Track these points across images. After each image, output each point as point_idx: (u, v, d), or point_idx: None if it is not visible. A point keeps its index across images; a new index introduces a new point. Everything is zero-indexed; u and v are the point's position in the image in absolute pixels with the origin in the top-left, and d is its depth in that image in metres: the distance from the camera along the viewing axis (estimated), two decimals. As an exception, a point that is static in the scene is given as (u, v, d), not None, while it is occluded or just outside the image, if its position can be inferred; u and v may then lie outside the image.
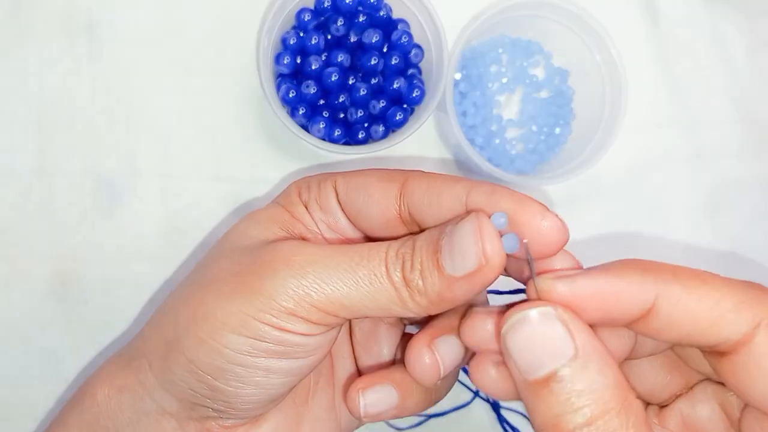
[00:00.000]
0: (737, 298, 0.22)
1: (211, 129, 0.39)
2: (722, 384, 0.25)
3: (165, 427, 0.27)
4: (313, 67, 0.36)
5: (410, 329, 0.32)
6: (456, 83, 0.40)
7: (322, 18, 0.38)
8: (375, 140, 0.37)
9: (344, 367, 0.31)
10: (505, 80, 0.41)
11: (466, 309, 0.26)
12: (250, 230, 0.28)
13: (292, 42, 0.37)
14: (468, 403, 0.40)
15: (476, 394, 0.40)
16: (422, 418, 0.39)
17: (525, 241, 0.24)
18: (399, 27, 0.38)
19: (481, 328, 0.25)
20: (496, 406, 0.40)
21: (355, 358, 0.32)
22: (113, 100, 0.39)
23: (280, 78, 0.37)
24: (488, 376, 0.25)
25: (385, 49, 0.38)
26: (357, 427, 0.31)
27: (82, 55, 0.39)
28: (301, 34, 0.37)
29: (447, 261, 0.24)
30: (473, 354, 0.28)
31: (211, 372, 0.25)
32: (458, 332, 0.27)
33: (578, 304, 0.23)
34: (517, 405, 0.39)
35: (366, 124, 0.37)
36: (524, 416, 0.39)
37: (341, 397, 0.31)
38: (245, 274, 0.25)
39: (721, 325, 0.22)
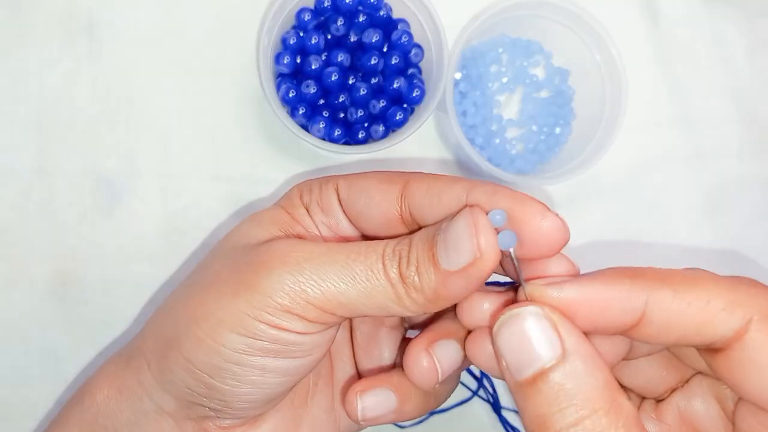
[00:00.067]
0: (728, 296, 0.22)
1: (211, 129, 0.39)
2: (716, 377, 0.25)
3: (163, 426, 0.27)
4: (313, 67, 0.36)
5: (412, 335, 0.32)
6: (456, 83, 0.40)
7: (322, 18, 0.38)
8: (375, 140, 0.37)
9: (344, 370, 0.31)
10: (505, 80, 0.41)
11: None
12: (251, 231, 0.28)
13: (292, 42, 0.37)
14: (468, 399, 0.40)
15: (475, 393, 0.40)
16: (424, 416, 0.39)
17: (511, 249, 0.24)
18: (399, 27, 0.38)
19: (478, 308, 0.25)
20: (496, 407, 0.40)
21: (355, 361, 0.32)
22: (113, 100, 0.39)
23: (280, 78, 0.37)
24: (484, 352, 0.25)
25: (385, 49, 0.38)
26: (356, 431, 0.31)
27: (82, 55, 0.39)
28: (301, 34, 0.37)
29: (442, 255, 0.24)
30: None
31: (208, 371, 0.25)
32: (458, 332, 0.27)
33: (568, 310, 0.23)
34: (517, 405, 0.39)
35: (366, 124, 0.37)
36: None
37: (340, 400, 0.31)
38: (243, 273, 0.26)
39: (713, 325, 0.22)
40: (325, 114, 0.37)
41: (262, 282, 0.25)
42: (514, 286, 0.25)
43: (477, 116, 0.40)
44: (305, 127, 0.37)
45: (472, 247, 0.23)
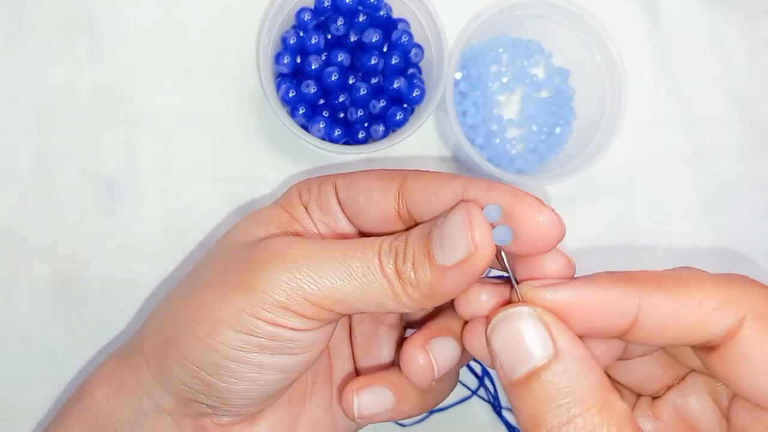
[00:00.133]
0: (720, 295, 0.22)
1: (211, 129, 0.39)
2: (711, 375, 0.25)
3: (162, 425, 0.27)
4: (313, 67, 0.36)
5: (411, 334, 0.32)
6: (456, 83, 0.40)
7: (322, 17, 0.38)
8: (375, 140, 0.37)
9: (343, 369, 0.31)
10: (505, 80, 0.41)
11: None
12: (249, 230, 0.28)
13: (292, 42, 0.37)
14: (468, 398, 0.40)
15: (474, 392, 0.40)
16: (423, 414, 0.39)
17: (503, 254, 0.24)
18: (399, 26, 0.38)
19: (475, 299, 0.25)
20: (496, 407, 0.40)
21: (354, 360, 0.32)
22: (113, 100, 0.39)
23: (280, 78, 0.37)
24: (481, 342, 0.25)
25: (385, 49, 0.38)
26: (355, 430, 0.31)
27: (82, 55, 0.39)
28: (301, 34, 0.37)
29: (437, 250, 0.24)
30: (468, 356, 0.28)
31: (206, 368, 0.25)
32: (455, 329, 0.27)
33: (561, 312, 0.23)
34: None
35: (366, 124, 0.37)
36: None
37: (337, 398, 0.31)
38: (240, 270, 0.26)
39: (706, 324, 0.22)
40: (325, 114, 0.37)
41: (260, 279, 0.25)
42: (508, 278, 0.25)
43: (477, 116, 0.40)
44: (305, 127, 0.37)
45: (466, 242, 0.23)
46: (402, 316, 0.32)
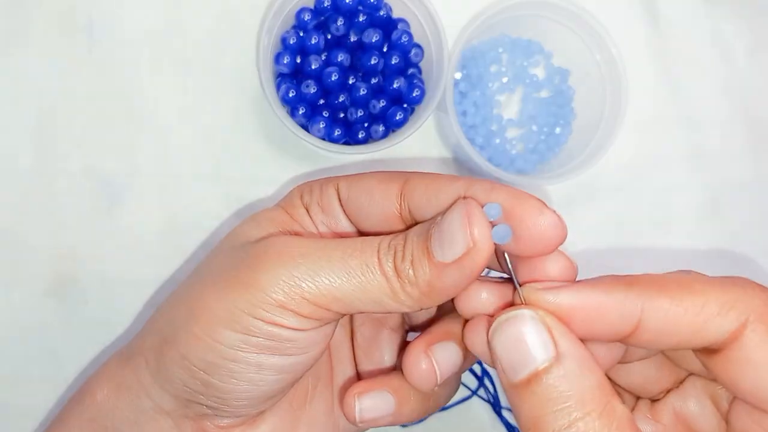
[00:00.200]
0: (722, 298, 0.22)
1: (211, 129, 0.39)
2: (711, 379, 0.25)
3: (162, 426, 0.27)
4: (313, 67, 0.36)
5: (412, 337, 0.32)
6: (456, 83, 0.40)
7: (322, 17, 0.38)
8: (375, 140, 0.37)
9: (344, 372, 0.31)
10: (505, 80, 0.41)
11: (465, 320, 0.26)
12: (250, 231, 0.28)
13: (292, 42, 0.37)
14: (468, 398, 0.40)
15: (474, 392, 0.40)
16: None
17: (506, 255, 0.24)
18: (399, 26, 0.38)
19: (476, 297, 0.25)
20: (496, 406, 0.40)
21: (355, 363, 0.31)
22: (113, 99, 0.39)
23: (280, 78, 0.37)
24: (482, 340, 0.25)
25: (385, 49, 0.38)
26: None
27: (81, 54, 0.39)
28: (301, 34, 0.37)
29: (436, 247, 0.24)
30: (471, 360, 0.28)
31: (204, 368, 0.25)
32: (458, 333, 0.27)
33: (563, 315, 0.23)
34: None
35: (366, 124, 0.37)
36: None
37: (338, 401, 0.31)
38: (238, 269, 0.26)
39: (708, 328, 0.22)
40: (325, 114, 0.37)
41: (258, 278, 0.25)
42: (511, 280, 0.25)
43: (477, 116, 0.40)
44: (305, 127, 0.37)
45: (465, 238, 0.23)
46: (404, 319, 0.32)
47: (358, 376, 0.31)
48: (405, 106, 0.37)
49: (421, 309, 0.25)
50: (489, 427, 0.40)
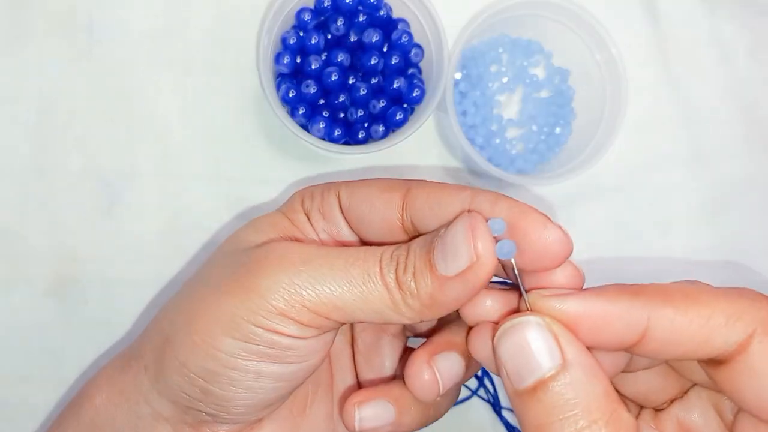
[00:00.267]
0: (728, 310, 0.22)
1: (211, 129, 0.39)
2: (716, 389, 0.25)
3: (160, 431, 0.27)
4: (313, 67, 0.36)
5: (413, 343, 0.32)
6: (456, 83, 0.40)
7: (322, 17, 0.38)
8: (375, 140, 0.37)
9: (344, 379, 0.31)
10: (505, 80, 0.41)
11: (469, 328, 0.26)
12: (249, 236, 0.28)
13: (291, 42, 0.37)
14: (468, 398, 0.40)
15: (474, 392, 0.40)
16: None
17: (512, 259, 0.24)
18: (399, 26, 0.38)
19: (480, 304, 0.25)
20: (496, 407, 0.40)
21: (356, 370, 0.31)
22: (113, 99, 0.39)
23: (280, 78, 0.37)
24: (486, 347, 0.25)
25: (385, 49, 0.38)
26: None
27: (81, 54, 0.39)
28: (301, 34, 0.37)
29: (439, 260, 0.24)
30: (473, 370, 0.28)
31: (203, 375, 0.25)
32: (461, 343, 0.27)
33: (569, 323, 0.23)
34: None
35: (366, 124, 0.37)
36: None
37: (338, 410, 0.30)
38: (238, 275, 0.25)
39: (714, 340, 0.22)
40: (325, 114, 0.37)
41: (258, 284, 0.24)
42: (516, 286, 0.25)
43: (477, 116, 0.40)
44: (305, 127, 0.37)
45: (469, 251, 0.23)
46: (405, 326, 0.32)
47: (358, 382, 0.31)
48: (405, 106, 0.37)
49: (422, 321, 0.25)
50: (489, 427, 0.40)
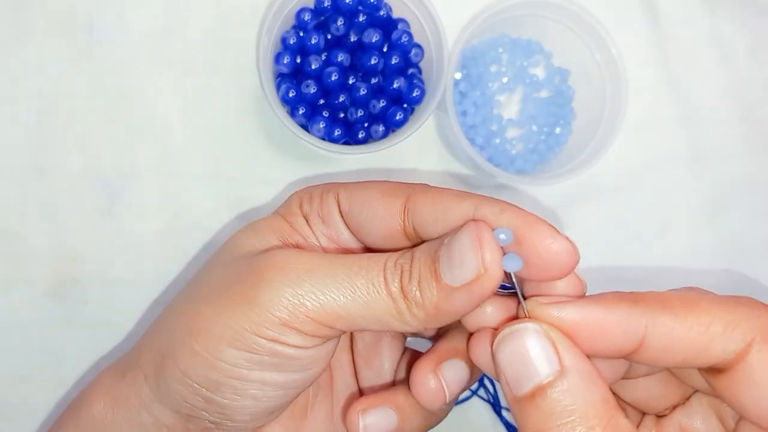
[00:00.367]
0: (727, 319, 0.22)
1: (211, 129, 0.39)
2: (717, 396, 0.25)
3: None
4: (313, 67, 0.36)
5: (413, 344, 0.32)
6: (456, 83, 0.40)
7: (322, 17, 0.38)
8: (375, 140, 0.37)
9: (344, 380, 0.31)
10: (505, 80, 0.41)
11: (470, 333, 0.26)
12: (248, 240, 0.28)
13: (291, 42, 0.37)
14: (468, 399, 0.40)
15: (474, 392, 0.40)
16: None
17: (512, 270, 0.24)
18: (399, 26, 0.38)
19: (481, 311, 0.25)
20: (496, 407, 0.40)
21: (355, 370, 0.31)
22: (113, 99, 0.39)
23: (280, 78, 0.37)
24: (487, 353, 0.24)
25: (385, 49, 0.38)
26: None
27: (81, 54, 0.39)
28: (301, 34, 0.37)
29: (445, 270, 0.24)
30: (476, 376, 0.28)
31: (206, 385, 0.25)
32: (466, 350, 0.27)
33: (567, 331, 0.23)
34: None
35: (366, 124, 0.37)
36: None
37: (340, 411, 0.30)
38: (240, 285, 0.25)
39: (713, 348, 0.22)
40: (325, 114, 0.37)
41: (261, 295, 0.24)
42: (515, 294, 0.25)
43: (477, 116, 0.40)
44: (305, 127, 0.37)
45: (476, 263, 0.23)
46: None
47: (358, 383, 0.31)
48: (405, 106, 0.37)
49: (425, 329, 0.25)
50: (489, 427, 0.40)
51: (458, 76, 0.40)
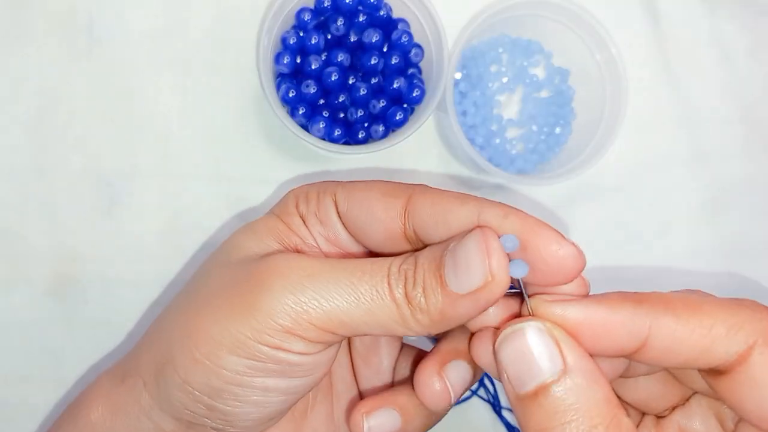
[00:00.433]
0: (729, 321, 0.22)
1: (211, 129, 0.39)
2: (716, 398, 0.25)
3: None
4: (313, 67, 0.36)
5: (411, 341, 0.32)
6: (456, 83, 0.40)
7: (322, 17, 0.38)
8: (375, 140, 0.37)
9: (343, 380, 0.31)
10: (505, 80, 0.41)
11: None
12: (246, 243, 0.28)
13: (291, 42, 0.37)
14: (468, 399, 0.40)
15: (474, 392, 0.40)
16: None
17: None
18: (399, 26, 0.38)
19: (483, 312, 0.25)
20: (496, 407, 0.40)
21: (354, 369, 0.31)
22: (113, 99, 0.39)
23: (280, 78, 0.37)
24: (489, 353, 0.24)
25: (385, 49, 0.38)
26: None
27: (81, 54, 0.39)
28: (301, 34, 0.37)
29: (451, 277, 0.23)
30: (478, 376, 0.28)
31: (208, 392, 0.25)
32: (468, 350, 0.27)
33: (570, 329, 0.23)
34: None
35: (366, 124, 0.37)
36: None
37: (343, 413, 0.30)
38: (241, 291, 0.25)
39: (715, 350, 0.22)
40: (325, 114, 0.37)
41: (262, 302, 0.24)
42: (518, 293, 0.25)
43: (477, 116, 0.40)
44: (305, 127, 0.37)
45: (483, 270, 0.23)
46: None
47: (357, 383, 0.31)
48: (405, 106, 0.37)
49: (429, 335, 0.25)
50: (489, 427, 0.40)
51: (458, 76, 0.40)
